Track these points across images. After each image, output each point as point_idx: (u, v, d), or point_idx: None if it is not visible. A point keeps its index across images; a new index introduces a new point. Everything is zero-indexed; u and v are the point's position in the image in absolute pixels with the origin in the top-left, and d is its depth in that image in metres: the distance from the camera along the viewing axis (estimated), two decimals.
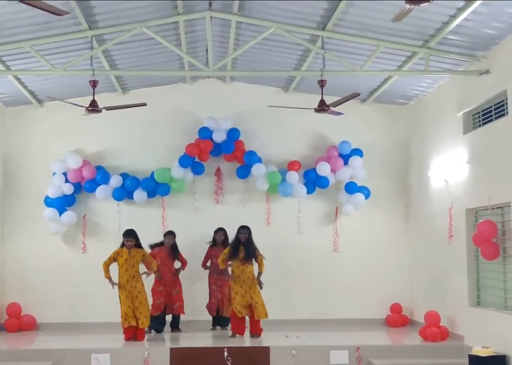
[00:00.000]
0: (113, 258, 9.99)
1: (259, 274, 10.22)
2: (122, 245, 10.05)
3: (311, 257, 11.89)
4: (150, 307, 10.35)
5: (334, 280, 11.88)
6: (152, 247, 10.93)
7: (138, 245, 10.10)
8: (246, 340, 9.95)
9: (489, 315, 8.93)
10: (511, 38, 8.29)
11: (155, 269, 10.23)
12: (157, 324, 10.75)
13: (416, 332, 10.19)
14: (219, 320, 11.11)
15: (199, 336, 10.42)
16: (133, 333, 9.90)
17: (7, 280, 11.60)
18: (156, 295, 10.74)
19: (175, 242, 11.06)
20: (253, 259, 10.17)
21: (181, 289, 10.96)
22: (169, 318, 10.97)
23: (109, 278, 9.89)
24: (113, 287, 9.90)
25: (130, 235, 10.02)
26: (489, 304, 9.18)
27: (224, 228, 11.13)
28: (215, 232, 11.17)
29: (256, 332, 10.13)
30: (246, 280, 10.09)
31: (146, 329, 10.21)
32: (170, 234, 11.08)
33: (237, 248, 10.17)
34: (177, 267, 11.06)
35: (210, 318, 11.19)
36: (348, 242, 12.02)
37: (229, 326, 10.56)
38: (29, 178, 11.79)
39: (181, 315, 10.97)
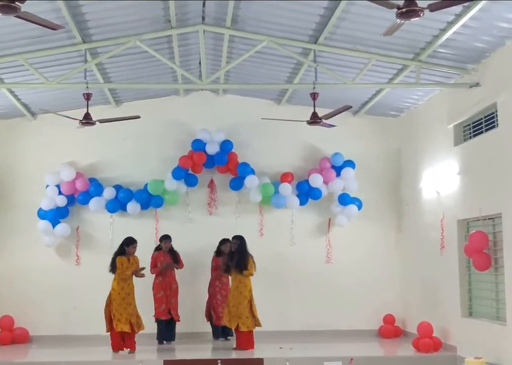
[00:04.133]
0: (121, 267, 9.98)
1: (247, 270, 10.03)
2: (121, 253, 10.07)
3: (303, 269, 11.92)
4: (155, 314, 10.53)
5: (327, 291, 11.90)
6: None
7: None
8: (240, 353, 9.93)
9: (481, 325, 8.98)
10: (501, 51, 8.42)
11: (136, 273, 10.08)
12: (166, 332, 10.72)
13: (409, 343, 10.22)
14: (221, 330, 10.96)
15: (194, 348, 10.41)
16: (121, 342, 9.86)
17: (0, 292, 11.55)
18: (158, 302, 10.68)
19: (172, 246, 11.02)
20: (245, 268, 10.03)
21: (177, 300, 10.89)
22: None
23: (135, 271, 9.97)
24: (141, 274, 10.00)
25: (135, 241, 10.11)
26: (481, 315, 9.23)
27: (228, 239, 11.01)
28: (221, 243, 11.13)
29: (239, 344, 10.06)
30: (235, 288, 9.97)
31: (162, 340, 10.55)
32: (167, 238, 11.03)
33: (230, 258, 10.20)
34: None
35: (205, 329, 11.16)
36: (340, 253, 12.05)
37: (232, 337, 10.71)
38: (22, 191, 11.78)
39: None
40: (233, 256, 10.16)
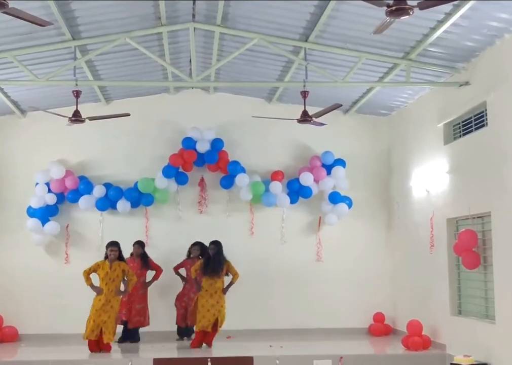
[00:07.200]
0: (93, 269, 9.88)
1: (230, 283, 10.24)
2: (106, 257, 9.95)
3: (294, 267, 11.92)
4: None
5: (318, 290, 11.92)
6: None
7: (121, 258, 10.03)
8: (230, 351, 9.92)
9: (470, 323, 9.02)
10: (490, 50, 8.45)
11: (131, 288, 10.06)
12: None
13: (399, 341, 10.23)
14: (185, 330, 10.96)
15: (183, 347, 10.40)
16: (96, 346, 9.78)
17: None
18: (121, 305, 10.42)
19: (144, 252, 10.95)
20: (222, 272, 10.14)
21: (147, 305, 10.79)
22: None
23: (91, 285, 9.81)
24: (99, 293, 9.77)
25: (115, 245, 9.94)
26: (470, 313, 9.26)
27: (201, 242, 11.01)
28: (191, 246, 11.08)
29: (208, 341, 10.14)
30: (214, 294, 10.07)
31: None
32: (137, 244, 10.98)
33: (207, 262, 10.22)
34: (148, 280, 10.90)
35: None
36: (330, 252, 12.07)
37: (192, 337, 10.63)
38: (12, 188, 11.72)
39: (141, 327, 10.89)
40: (210, 261, 10.18)
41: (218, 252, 10.24)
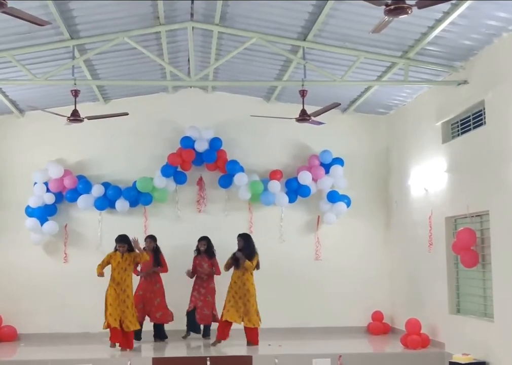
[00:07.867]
0: (107, 262, 9.93)
1: (244, 262, 10.11)
2: (116, 249, 9.99)
3: (292, 266, 11.93)
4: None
5: (316, 288, 11.93)
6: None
7: (131, 250, 10.02)
8: (229, 350, 9.94)
9: (469, 322, 9.03)
10: (489, 49, 8.46)
11: (148, 258, 10.12)
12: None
13: (397, 339, 10.25)
14: (193, 326, 10.99)
15: (182, 346, 10.42)
16: (118, 338, 9.78)
17: None
18: (135, 300, 10.46)
19: (157, 245, 11.00)
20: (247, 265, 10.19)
21: (164, 299, 10.89)
22: (150, 327, 10.92)
23: (102, 275, 9.85)
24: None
25: (122, 241, 9.96)
26: (469, 312, 9.28)
27: (207, 236, 11.13)
28: (198, 241, 11.15)
29: (250, 339, 10.16)
30: (242, 286, 10.13)
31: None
32: (150, 238, 11.02)
33: (234, 255, 10.27)
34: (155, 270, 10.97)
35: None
36: (329, 251, 12.08)
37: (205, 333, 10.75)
38: (10, 188, 11.71)
39: (165, 324, 10.94)
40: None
41: (244, 246, 10.26)
